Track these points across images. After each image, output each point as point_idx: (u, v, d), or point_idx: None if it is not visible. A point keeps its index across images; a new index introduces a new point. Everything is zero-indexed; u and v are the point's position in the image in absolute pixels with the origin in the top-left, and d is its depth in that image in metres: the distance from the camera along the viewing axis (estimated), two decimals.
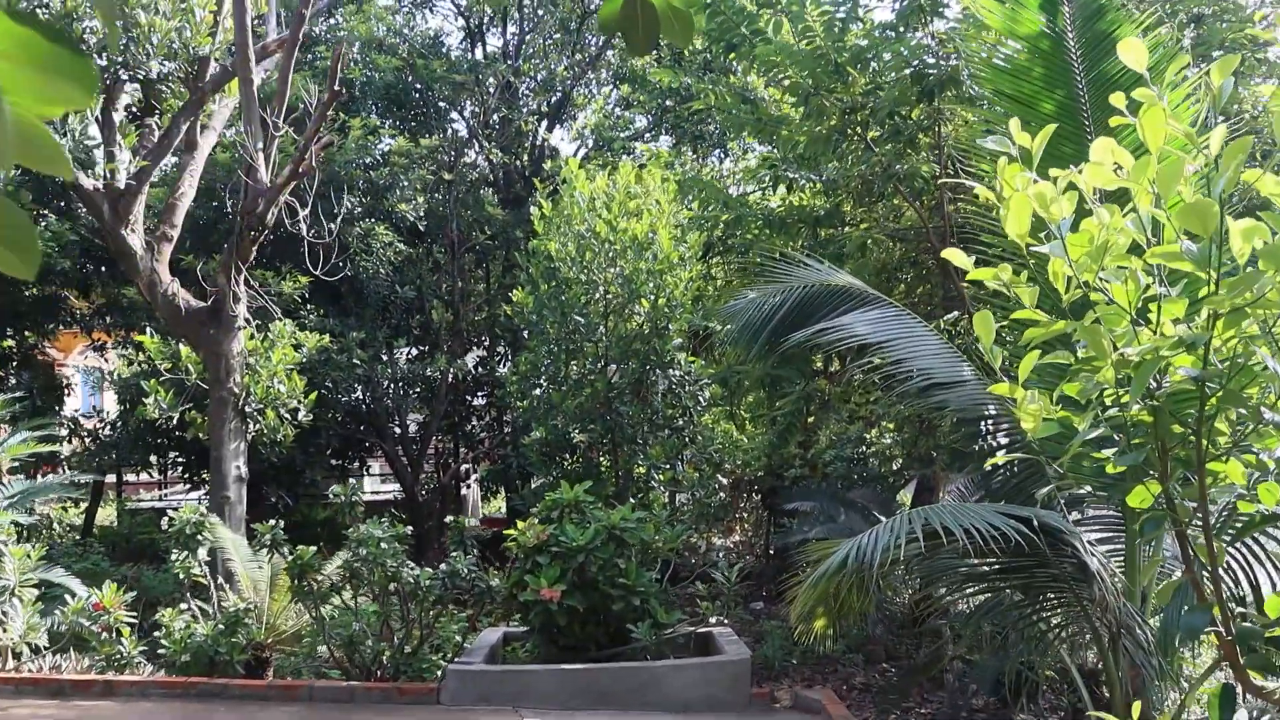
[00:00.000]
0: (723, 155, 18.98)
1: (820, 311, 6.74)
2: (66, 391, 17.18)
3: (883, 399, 11.33)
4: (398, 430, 17.22)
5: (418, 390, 17.54)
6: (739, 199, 11.53)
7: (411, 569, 7.77)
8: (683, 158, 12.25)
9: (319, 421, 15.06)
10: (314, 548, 8.00)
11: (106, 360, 18.08)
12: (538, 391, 13.33)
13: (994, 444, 6.40)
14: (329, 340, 13.35)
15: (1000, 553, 4.72)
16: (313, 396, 11.27)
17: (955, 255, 3.50)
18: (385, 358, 15.97)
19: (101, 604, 8.08)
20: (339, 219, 14.64)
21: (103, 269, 15.81)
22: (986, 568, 5.63)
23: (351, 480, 8.16)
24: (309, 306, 14.93)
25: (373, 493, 20.71)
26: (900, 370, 6.18)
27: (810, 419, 12.26)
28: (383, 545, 7.51)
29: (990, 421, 6.27)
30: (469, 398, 18.48)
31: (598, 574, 7.80)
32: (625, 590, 7.81)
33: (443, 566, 7.99)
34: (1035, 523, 4.53)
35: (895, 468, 13.14)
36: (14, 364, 16.48)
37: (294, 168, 10.09)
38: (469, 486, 20.06)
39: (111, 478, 18.62)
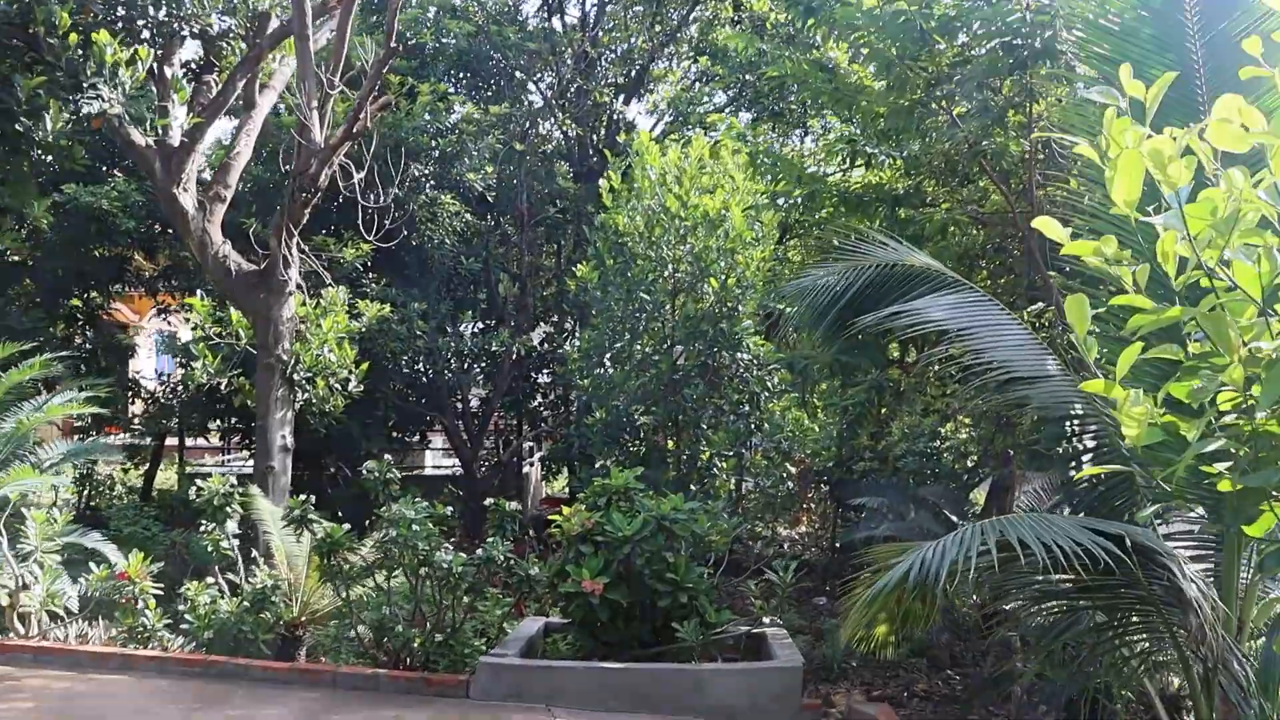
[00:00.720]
0: (804, 134, 18.32)
1: (894, 294, 6.16)
2: (130, 353, 17.02)
3: (959, 392, 10.69)
4: (459, 405, 16.84)
5: (481, 365, 17.17)
6: (814, 175, 10.87)
7: (446, 553, 7.31)
8: (761, 133, 11.60)
9: (377, 393, 14.74)
10: (345, 526, 7.59)
11: (169, 323, 17.95)
12: (600, 371, 12.87)
13: (1080, 447, 5.75)
14: (389, 310, 13.00)
15: (1083, 570, 4.13)
16: (365, 366, 10.89)
17: (1049, 225, 2.92)
18: (449, 330, 15.58)
19: (126, 573, 7.75)
20: (402, 185, 14.31)
21: (169, 230, 15.59)
22: (1067, 584, 5.02)
23: (387, 456, 7.73)
24: (371, 275, 14.57)
25: (434, 467, 20.39)
26: (978, 361, 5.58)
27: (882, 410, 11.58)
28: (414, 527, 7.05)
29: (1076, 422, 5.64)
30: (534, 374, 18.05)
31: (644, 567, 7.29)
32: (672, 585, 7.29)
33: (479, 551, 7.53)
34: (1128, 542, 3.93)
35: (969, 465, 12.48)
36: (79, 324, 16.35)
37: (348, 127, 9.67)
38: (531, 464, 19.69)
39: (175, 441, 18.47)
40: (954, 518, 11.34)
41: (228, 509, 7.90)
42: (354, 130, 9.67)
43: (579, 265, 13.09)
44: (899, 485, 11.78)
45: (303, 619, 8.37)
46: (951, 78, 8.54)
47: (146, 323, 21.74)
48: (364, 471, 7.88)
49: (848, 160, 10.12)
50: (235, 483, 8.09)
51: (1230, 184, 2.55)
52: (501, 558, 7.42)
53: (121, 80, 8.80)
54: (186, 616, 7.68)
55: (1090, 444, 5.67)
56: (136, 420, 16.38)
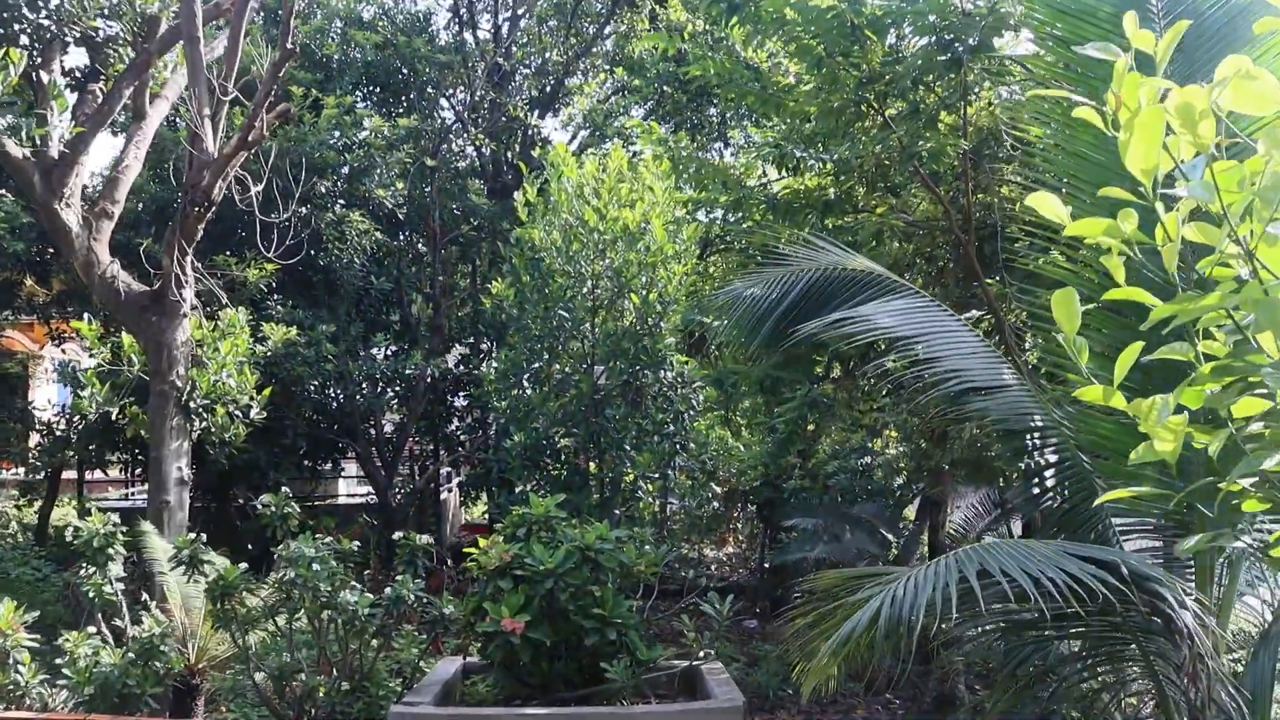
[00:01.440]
0: (724, 146, 17.96)
1: (834, 301, 5.72)
2: (21, 383, 16.10)
3: (890, 407, 10.32)
4: (372, 430, 16.17)
5: (395, 389, 16.54)
6: (739, 180, 10.43)
7: (351, 593, 6.70)
8: (681, 140, 11.16)
9: (285, 420, 14.05)
10: (242, 566, 6.94)
11: (63, 352, 17.03)
12: (518, 392, 12.31)
13: (1042, 460, 5.33)
14: (296, 333, 12.36)
15: (1060, 598, 3.70)
16: (267, 392, 10.24)
17: (1045, 202, 2.47)
18: (360, 353, 14.92)
19: None
20: (307, 202, 13.64)
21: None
22: (1036, 614, 4.60)
23: (285, 489, 7.08)
24: (277, 297, 13.89)
25: (348, 495, 19.66)
26: (929, 371, 5.16)
27: (811, 426, 11.15)
28: (315, 566, 6.43)
29: (1036, 435, 5.23)
30: (450, 397, 17.41)
31: (568, 602, 6.75)
32: (600, 621, 6.75)
33: (387, 590, 6.93)
34: (1124, 571, 3.50)
35: (900, 481, 12.15)
36: None
37: (243, 135, 9.05)
38: (450, 490, 19.06)
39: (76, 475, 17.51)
40: (889, 535, 10.97)
41: (109, 550, 7.19)
42: (249, 139, 9.05)
43: (493, 282, 12.54)
44: (830, 504, 11.38)
45: (200, 665, 7.71)
46: (884, 76, 8.17)
47: (44, 351, 20.72)
48: (258, 506, 7.22)
49: (776, 166, 9.70)
50: (117, 521, 7.36)
51: (1273, 139, 2.12)
52: (411, 597, 6.83)
53: None
54: (64, 671, 6.95)
55: (1052, 458, 5.26)
56: (30, 454, 15.47)
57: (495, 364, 12.56)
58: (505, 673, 6.93)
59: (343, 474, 18.90)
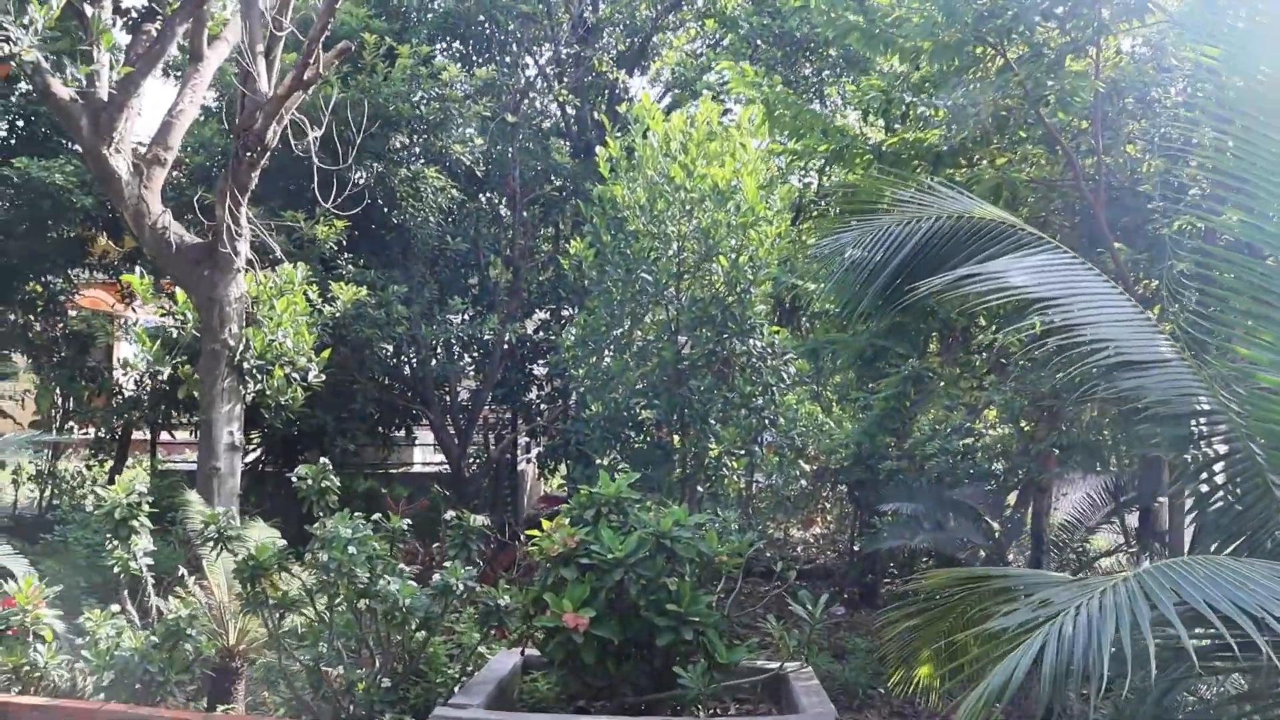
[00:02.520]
0: (820, 105, 16.92)
1: (955, 259, 4.81)
2: (90, 342, 15.64)
3: (994, 384, 9.33)
4: (447, 398, 15.50)
5: (472, 355, 15.88)
6: (842, 128, 9.44)
7: (393, 581, 5.95)
8: (777, 85, 10.20)
9: (354, 384, 13.44)
10: (279, 543, 6.23)
11: (133, 311, 16.57)
12: (596, 360, 11.53)
13: (1211, 452, 4.37)
14: (366, 294, 11.70)
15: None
16: (326, 354, 9.58)
17: None
18: (434, 316, 14.23)
19: (13, 599, 6.40)
20: (381, 157, 12.95)
21: None
22: (1206, 642, 3.69)
23: (324, 460, 6.35)
24: (347, 256, 13.24)
25: (423, 464, 19.02)
26: (1072, 340, 4.24)
27: (908, 404, 10.13)
28: (351, 550, 5.69)
29: (1203, 420, 4.28)
30: (529, 365, 16.68)
31: (639, 596, 5.96)
32: (675, 619, 5.93)
33: (435, 578, 6.17)
34: None
35: (1002, 466, 11.16)
36: (38, 311, 15.03)
37: (297, 74, 8.32)
38: (528, 461, 18.41)
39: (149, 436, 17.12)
40: (994, 524, 9.98)
41: (134, 522, 6.52)
42: (305, 78, 8.32)
43: (571, 242, 11.75)
44: (929, 487, 10.43)
45: (240, 647, 7.06)
46: (1006, 10, 7.16)
47: (128, 311, 20.41)
48: (294, 480, 6.48)
49: (881, 114, 8.70)
50: (143, 491, 6.67)
51: None
52: (460, 586, 6.06)
53: (32, 17, 7.48)
54: (84, 654, 6.31)
55: (1221, 448, 4.30)
56: (98, 414, 15.06)
57: (574, 330, 11.77)
58: (566, 672, 6.15)
59: (416, 442, 18.27)
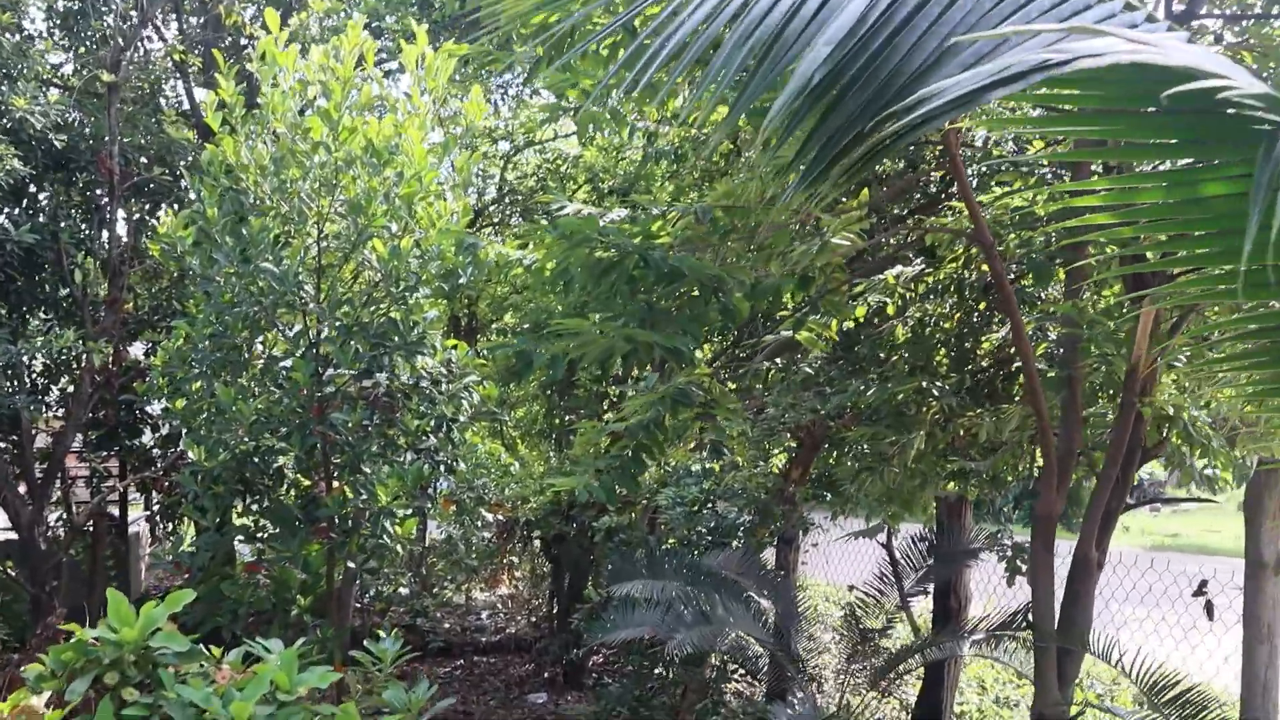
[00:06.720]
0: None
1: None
2: None
3: (777, 399, 6.72)
4: (18, 439, 11.63)
5: (61, 387, 12.11)
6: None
7: None
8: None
9: None
10: None
11: None
12: (203, 385, 8.19)
13: None
14: None
15: None
16: None
17: None
18: None
19: None
20: None
21: None
22: None
23: None
24: None
25: None
26: None
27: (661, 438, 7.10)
28: None
29: None
30: (142, 399, 12.92)
31: None
32: None
33: None
34: None
35: (744, 518, 8.76)
36: None
37: None
38: (144, 521, 14.71)
39: None
40: (763, 599, 7.34)
41: None
42: None
43: (160, 219, 8.43)
44: (664, 554, 7.74)
45: None
46: None
47: None
48: None
49: None
50: None
51: None
52: None
53: None
54: None
55: None
56: None
57: (169, 344, 8.37)
58: None
59: None
